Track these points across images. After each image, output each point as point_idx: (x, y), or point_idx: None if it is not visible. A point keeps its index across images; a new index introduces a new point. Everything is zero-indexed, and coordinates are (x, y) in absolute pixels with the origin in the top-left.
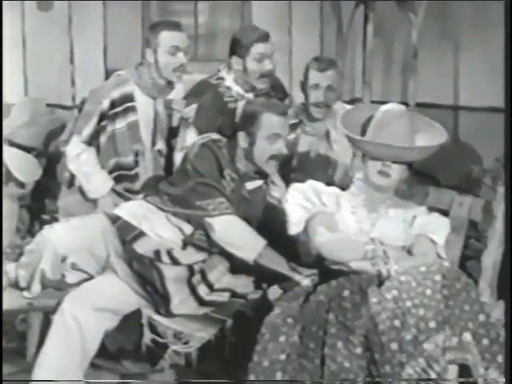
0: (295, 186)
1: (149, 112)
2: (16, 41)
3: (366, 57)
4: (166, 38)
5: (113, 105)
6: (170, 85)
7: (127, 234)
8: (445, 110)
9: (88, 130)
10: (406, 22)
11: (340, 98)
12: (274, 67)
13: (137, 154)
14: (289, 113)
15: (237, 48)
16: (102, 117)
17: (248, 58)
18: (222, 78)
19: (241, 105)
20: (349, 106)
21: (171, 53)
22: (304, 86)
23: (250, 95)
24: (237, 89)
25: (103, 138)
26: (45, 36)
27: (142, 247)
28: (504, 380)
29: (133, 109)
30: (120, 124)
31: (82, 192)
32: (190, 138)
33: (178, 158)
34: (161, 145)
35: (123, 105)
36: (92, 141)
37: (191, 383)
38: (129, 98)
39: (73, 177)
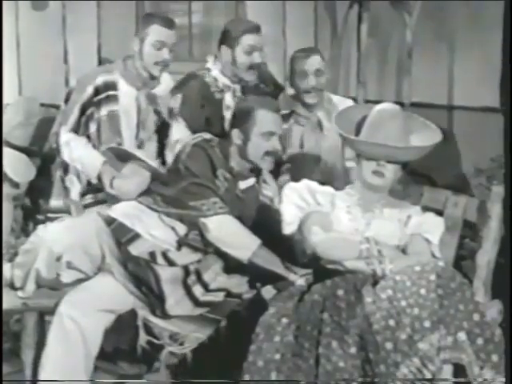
0: (290, 185)
1: (131, 103)
2: (10, 40)
3: (361, 57)
4: (155, 31)
5: (97, 91)
6: (153, 78)
7: (122, 235)
8: (439, 109)
9: (72, 118)
10: (401, 22)
11: (329, 83)
12: (264, 60)
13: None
14: (281, 103)
15: (227, 38)
16: (88, 104)
17: (237, 48)
18: (208, 69)
19: (228, 96)
20: (337, 97)
21: (156, 47)
22: (292, 78)
23: (237, 86)
24: (223, 80)
25: (93, 128)
26: (39, 36)
27: (137, 249)
28: (501, 379)
29: (115, 98)
30: (104, 112)
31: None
32: (179, 130)
33: (169, 154)
34: (145, 136)
35: (106, 92)
36: (79, 129)
37: (188, 383)
38: (112, 86)
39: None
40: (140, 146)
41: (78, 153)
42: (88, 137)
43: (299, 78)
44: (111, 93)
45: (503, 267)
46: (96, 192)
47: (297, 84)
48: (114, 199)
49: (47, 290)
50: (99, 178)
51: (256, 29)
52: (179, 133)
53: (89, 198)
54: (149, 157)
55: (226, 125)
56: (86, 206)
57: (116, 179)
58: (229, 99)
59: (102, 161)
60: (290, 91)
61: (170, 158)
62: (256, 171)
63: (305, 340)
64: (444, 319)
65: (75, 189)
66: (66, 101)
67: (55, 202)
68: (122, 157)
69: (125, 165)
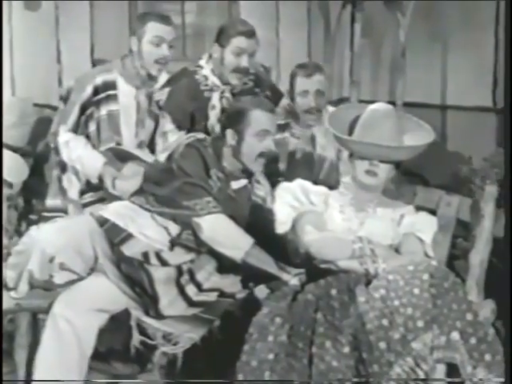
0: (283, 185)
1: (130, 102)
2: (3, 41)
3: (354, 56)
4: (152, 28)
5: (96, 91)
6: (151, 77)
7: (115, 236)
8: (433, 109)
9: (72, 117)
10: (394, 22)
11: (328, 102)
12: (255, 66)
13: (118, 145)
14: (277, 111)
15: (220, 36)
16: (87, 104)
17: (227, 48)
18: (200, 66)
19: (215, 95)
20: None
21: (155, 43)
22: (292, 94)
23: (226, 87)
24: (213, 79)
25: (92, 127)
26: (32, 36)
27: (130, 250)
28: (500, 380)
29: (114, 98)
30: (103, 111)
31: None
32: (164, 123)
33: (159, 143)
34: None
35: (106, 91)
36: (78, 129)
37: (182, 383)
38: (112, 85)
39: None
40: (140, 144)
41: (78, 153)
42: (87, 136)
43: (298, 96)
44: (111, 92)
45: (496, 266)
46: (96, 190)
47: (296, 102)
48: (114, 198)
49: (40, 290)
50: (100, 179)
51: (250, 33)
52: (164, 126)
53: (88, 197)
54: (148, 155)
55: (209, 124)
56: (86, 205)
57: (117, 180)
58: (215, 99)
59: (102, 162)
60: (288, 101)
61: (159, 147)
62: (248, 173)
63: (298, 340)
64: (437, 319)
65: (74, 188)
66: (64, 100)
67: (51, 202)
68: (121, 157)
69: (124, 165)
